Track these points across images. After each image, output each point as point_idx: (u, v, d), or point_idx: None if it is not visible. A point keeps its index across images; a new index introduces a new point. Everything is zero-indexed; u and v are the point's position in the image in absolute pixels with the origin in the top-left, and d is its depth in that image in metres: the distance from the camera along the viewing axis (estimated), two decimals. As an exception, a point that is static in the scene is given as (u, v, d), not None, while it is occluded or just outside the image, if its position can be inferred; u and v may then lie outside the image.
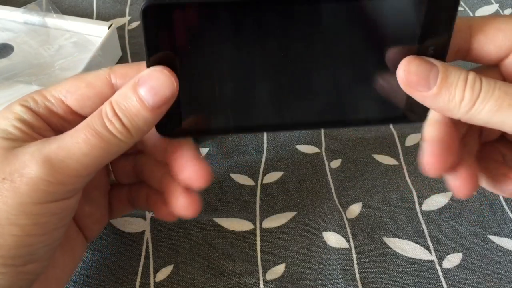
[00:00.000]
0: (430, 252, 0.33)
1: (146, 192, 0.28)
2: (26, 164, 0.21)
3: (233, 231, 0.34)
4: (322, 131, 0.41)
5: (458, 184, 0.25)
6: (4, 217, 0.20)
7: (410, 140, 0.40)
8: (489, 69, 0.25)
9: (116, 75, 0.24)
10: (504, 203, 0.36)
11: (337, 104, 0.25)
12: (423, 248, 0.33)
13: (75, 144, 0.21)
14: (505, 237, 0.34)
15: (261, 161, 0.38)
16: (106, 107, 0.22)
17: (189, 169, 0.25)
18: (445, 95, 0.22)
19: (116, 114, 0.22)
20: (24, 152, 0.21)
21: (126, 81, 0.24)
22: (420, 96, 0.22)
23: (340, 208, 0.35)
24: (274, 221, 0.35)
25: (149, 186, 0.28)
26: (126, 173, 0.29)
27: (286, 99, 0.25)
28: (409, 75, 0.22)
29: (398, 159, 0.39)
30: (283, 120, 0.25)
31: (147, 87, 0.22)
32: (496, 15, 0.50)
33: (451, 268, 0.32)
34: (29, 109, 0.23)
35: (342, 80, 0.24)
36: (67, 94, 0.24)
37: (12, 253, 0.21)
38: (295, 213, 0.35)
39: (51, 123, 0.24)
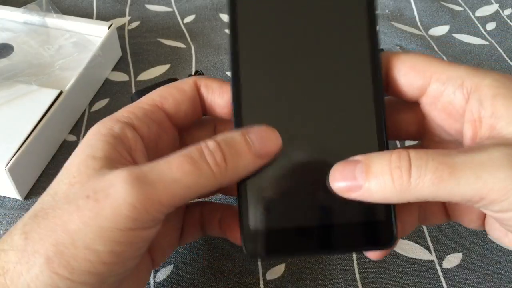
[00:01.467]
0: (430, 252, 0.33)
1: (220, 216, 0.27)
2: (113, 183, 0.20)
3: (233, 231, 0.34)
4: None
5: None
6: (82, 239, 0.19)
7: (410, 141, 0.40)
8: (413, 105, 0.25)
9: (202, 84, 0.25)
10: (504, 203, 0.36)
11: None
12: (423, 248, 0.33)
13: (167, 169, 0.20)
14: (505, 237, 0.34)
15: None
16: (208, 142, 0.22)
17: None
18: (376, 185, 0.20)
19: (219, 148, 0.21)
20: (112, 172, 0.20)
21: (209, 91, 0.25)
22: (359, 196, 0.21)
23: (340, 208, 0.35)
24: (274, 221, 0.35)
25: (223, 209, 0.28)
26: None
27: None
28: (337, 182, 0.22)
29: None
30: None
31: (256, 135, 0.22)
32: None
33: (451, 268, 0.32)
34: (127, 124, 0.23)
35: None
36: (162, 100, 0.24)
37: (82, 278, 0.20)
38: (295, 213, 0.35)
39: (149, 135, 0.24)
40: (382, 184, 0.20)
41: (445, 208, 0.26)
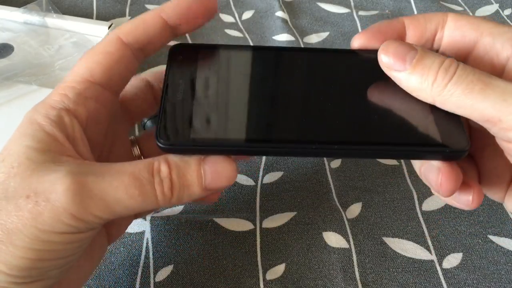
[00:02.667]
0: (430, 252, 0.33)
1: None
2: (55, 189, 0.19)
3: (233, 231, 0.34)
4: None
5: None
6: (19, 238, 0.19)
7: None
8: None
9: (126, 34, 0.24)
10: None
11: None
12: (423, 248, 0.33)
13: (113, 188, 0.20)
14: (505, 237, 0.34)
15: (261, 161, 0.38)
16: (161, 166, 0.21)
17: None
18: (418, 75, 0.22)
19: (169, 177, 0.21)
20: (56, 171, 0.20)
21: (138, 36, 0.24)
22: (396, 76, 0.23)
23: (340, 208, 0.35)
24: (274, 221, 0.35)
25: None
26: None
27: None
28: (387, 54, 0.23)
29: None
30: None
31: (212, 169, 0.22)
32: None
33: (451, 268, 0.32)
34: (63, 109, 0.22)
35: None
36: (91, 72, 0.23)
37: (22, 273, 0.20)
38: (295, 213, 0.35)
39: (87, 115, 0.22)
40: (424, 78, 0.22)
41: (478, 178, 0.27)
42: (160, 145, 0.22)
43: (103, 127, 0.25)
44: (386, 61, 0.23)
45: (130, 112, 0.28)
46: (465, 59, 0.25)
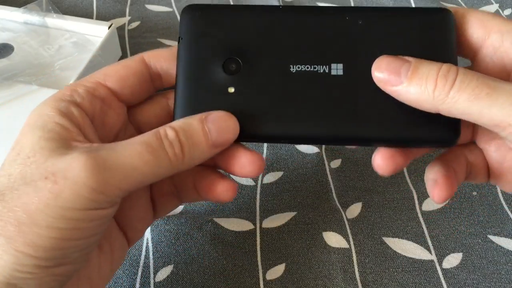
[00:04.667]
0: (430, 252, 0.33)
1: (193, 180, 0.27)
2: (72, 167, 0.20)
3: (233, 231, 0.34)
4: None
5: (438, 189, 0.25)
6: (43, 219, 0.20)
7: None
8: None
9: (149, 55, 0.25)
10: (504, 203, 0.36)
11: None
12: (423, 248, 0.33)
13: (127, 157, 0.21)
14: (505, 237, 0.34)
15: (261, 161, 0.38)
16: (167, 130, 0.22)
17: (243, 158, 0.24)
18: (416, 85, 0.22)
19: (178, 138, 0.22)
20: (69, 153, 0.21)
21: (158, 60, 0.25)
22: (394, 91, 0.22)
23: (340, 208, 0.35)
24: (274, 221, 0.35)
25: (194, 173, 0.28)
26: None
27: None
28: (381, 71, 0.23)
29: (398, 159, 0.39)
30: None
31: (215, 125, 0.23)
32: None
33: (451, 268, 0.32)
34: (71, 102, 0.23)
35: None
36: (106, 77, 0.24)
37: (47, 255, 0.20)
38: (295, 213, 0.35)
39: (94, 113, 0.24)
40: (423, 87, 0.22)
41: (488, 168, 0.27)
42: None
43: (110, 132, 0.25)
44: (381, 77, 0.23)
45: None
46: (472, 58, 0.25)
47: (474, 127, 0.27)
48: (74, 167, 0.20)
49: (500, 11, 0.56)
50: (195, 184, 0.27)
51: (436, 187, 0.25)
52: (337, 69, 0.24)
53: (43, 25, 0.47)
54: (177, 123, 0.23)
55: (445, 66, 0.22)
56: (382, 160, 0.24)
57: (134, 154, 0.21)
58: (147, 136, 0.22)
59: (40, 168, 0.20)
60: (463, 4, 0.57)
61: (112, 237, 0.26)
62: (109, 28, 0.46)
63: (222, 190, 0.26)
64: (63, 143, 0.21)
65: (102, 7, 0.55)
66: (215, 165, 0.27)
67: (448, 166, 0.26)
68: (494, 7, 0.57)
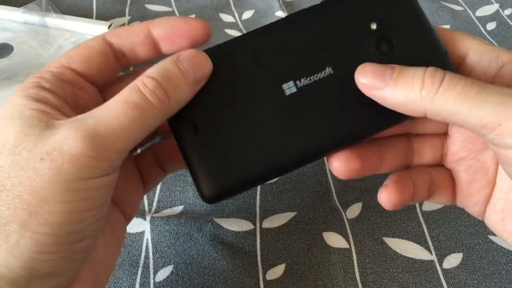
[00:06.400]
0: (430, 252, 0.33)
1: (175, 151, 0.27)
2: (64, 142, 0.20)
3: (233, 231, 0.34)
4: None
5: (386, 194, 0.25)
6: (51, 196, 0.20)
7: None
8: None
9: (110, 34, 0.25)
10: (504, 203, 0.36)
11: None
12: (423, 248, 0.33)
13: (114, 119, 0.21)
14: (506, 237, 0.34)
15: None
16: (145, 80, 0.22)
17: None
18: (402, 86, 0.21)
19: (159, 84, 0.22)
20: (57, 131, 0.21)
21: (120, 39, 0.25)
22: (380, 95, 0.22)
23: (340, 208, 0.35)
24: (274, 221, 0.35)
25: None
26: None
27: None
28: (365, 75, 0.22)
29: (398, 159, 0.39)
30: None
31: (189, 63, 0.23)
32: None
33: (451, 268, 0.32)
34: (40, 87, 0.23)
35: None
36: (69, 60, 0.24)
37: (65, 230, 0.20)
38: (295, 213, 0.35)
39: (65, 96, 0.24)
40: (409, 87, 0.21)
41: (454, 187, 0.27)
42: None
43: (82, 112, 0.25)
44: (365, 81, 0.22)
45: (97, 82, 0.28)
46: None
47: (443, 148, 0.26)
48: (67, 141, 0.20)
49: (500, 11, 0.56)
50: (170, 153, 0.28)
51: (383, 190, 0.25)
52: (289, 87, 0.24)
53: (42, 25, 0.47)
54: (152, 70, 0.23)
55: (430, 68, 0.21)
56: (338, 162, 0.24)
57: (120, 115, 0.21)
58: (126, 93, 0.22)
59: (32, 152, 0.20)
60: (463, 4, 0.57)
61: (111, 216, 0.26)
62: (109, 28, 0.46)
63: None
64: (46, 125, 0.21)
65: (101, 7, 0.55)
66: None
67: (405, 176, 0.26)
68: (494, 7, 0.57)
